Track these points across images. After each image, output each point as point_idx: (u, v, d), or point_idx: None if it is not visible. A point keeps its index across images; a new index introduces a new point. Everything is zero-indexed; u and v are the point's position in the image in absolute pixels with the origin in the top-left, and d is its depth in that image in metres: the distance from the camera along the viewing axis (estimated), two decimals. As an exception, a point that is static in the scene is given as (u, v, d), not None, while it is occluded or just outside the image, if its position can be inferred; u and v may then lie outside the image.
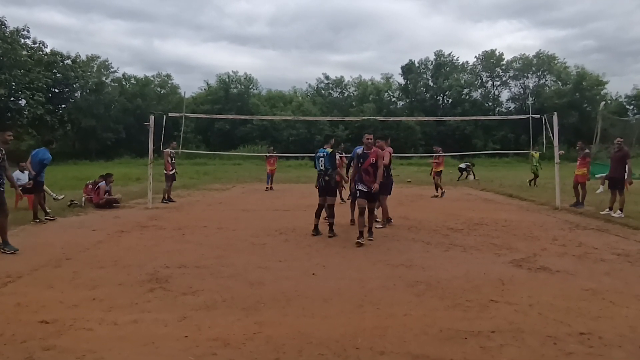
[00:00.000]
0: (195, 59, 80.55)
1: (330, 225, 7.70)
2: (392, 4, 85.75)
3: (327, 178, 7.71)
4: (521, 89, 48.96)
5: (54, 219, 9.10)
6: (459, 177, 21.55)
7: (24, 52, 35.87)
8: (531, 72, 48.49)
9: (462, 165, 22.18)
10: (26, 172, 9.91)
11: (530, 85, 48.61)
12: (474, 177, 21.57)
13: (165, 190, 12.59)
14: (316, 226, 7.77)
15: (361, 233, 6.89)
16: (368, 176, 6.83)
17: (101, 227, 8.45)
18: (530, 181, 17.37)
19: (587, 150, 11.59)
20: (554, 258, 6.07)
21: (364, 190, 6.85)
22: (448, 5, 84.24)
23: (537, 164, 17.27)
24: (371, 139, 7.00)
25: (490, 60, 48.91)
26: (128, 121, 41.97)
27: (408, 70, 48.82)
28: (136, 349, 3.29)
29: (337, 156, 8.07)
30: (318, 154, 7.88)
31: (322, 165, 7.73)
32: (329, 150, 7.80)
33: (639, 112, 42.51)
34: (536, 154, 16.94)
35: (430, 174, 15.42)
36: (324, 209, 7.88)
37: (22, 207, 10.28)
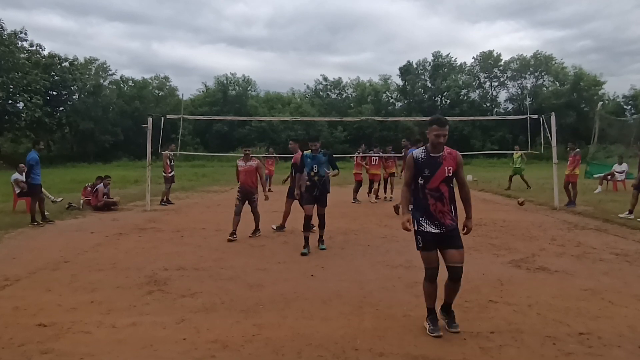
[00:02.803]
0: (193, 61, 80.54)
1: (320, 237, 6.94)
2: (389, 5, 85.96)
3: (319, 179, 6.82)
4: (519, 90, 49.05)
5: (52, 222, 9.07)
6: None
7: (22, 55, 35.90)
8: (529, 73, 48.56)
9: None
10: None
11: (528, 85, 48.73)
12: None
13: (163, 193, 12.59)
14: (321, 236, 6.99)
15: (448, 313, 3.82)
16: (441, 203, 3.69)
17: (99, 229, 8.43)
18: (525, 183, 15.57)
19: (577, 149, 11.71)
20: (552, 258, 6.07)
21: (434, 231, 3.67)
22: (445, 6, 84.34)
23: (519, 165, 15.75)
24: (444, 136, 3.63)
25: (488, 61, 48.96)
26: (126, 123, 41.88)
27: (406, 71, 48.85)
28: (135, 352, 3.28)
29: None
30: (307, 159, 7.08)
31: (314, 170, 6.89)
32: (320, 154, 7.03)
33: (637, 112, 42.53)
34: (517, 154, 15.57)
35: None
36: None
37: (20, 210, 10.26)
